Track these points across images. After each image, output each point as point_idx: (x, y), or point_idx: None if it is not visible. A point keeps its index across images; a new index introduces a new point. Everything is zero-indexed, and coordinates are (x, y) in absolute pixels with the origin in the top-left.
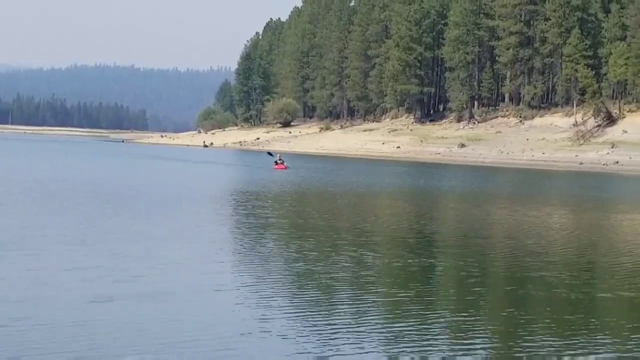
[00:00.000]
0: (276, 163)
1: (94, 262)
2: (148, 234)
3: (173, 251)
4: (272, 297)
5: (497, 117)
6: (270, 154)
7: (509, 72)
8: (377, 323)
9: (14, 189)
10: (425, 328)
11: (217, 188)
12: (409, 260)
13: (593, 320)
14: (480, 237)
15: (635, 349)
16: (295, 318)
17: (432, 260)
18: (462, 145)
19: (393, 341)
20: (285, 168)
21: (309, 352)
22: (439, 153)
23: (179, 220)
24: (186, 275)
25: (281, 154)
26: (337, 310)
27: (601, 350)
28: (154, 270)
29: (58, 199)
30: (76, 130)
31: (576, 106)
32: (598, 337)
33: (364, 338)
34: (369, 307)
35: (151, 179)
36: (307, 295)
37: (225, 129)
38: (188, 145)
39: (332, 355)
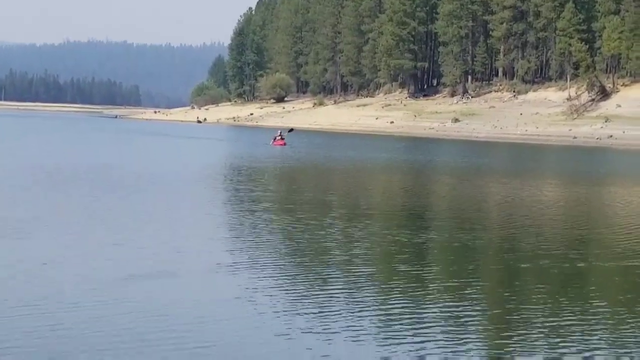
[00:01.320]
0: (274, 139)
1: (114, 242)
2: (158, 214)
3: (173, 230)
4: (266, 271)
5: (491, 91)
6: (291, 130)
7: (502, 47)
8: (370, 298)
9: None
10: (419, 305)
11: (220, 165)
12: (405, 235)
13: (588, 289)
14: (474, 211)
15: (629, 317)
16: (286, 294)
17: (427, 235)
18: (456, 120)
19: (387, 319)
20: (284, 144)
21: (299, 329)
22: (432, 128)
23: (180, 200)
24: (181, 251)
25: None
26: (329, 287)
27: (596, 319)
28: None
29: (71, 180)
30: (69, 106)
31: (570, 80)
32: (593, 305)
33: (357, 313)
34: (362, 281)
35: (152, 156)
36: (300, 274)
37: (219, 105)
38: (182, 121)
39: (324, 332)
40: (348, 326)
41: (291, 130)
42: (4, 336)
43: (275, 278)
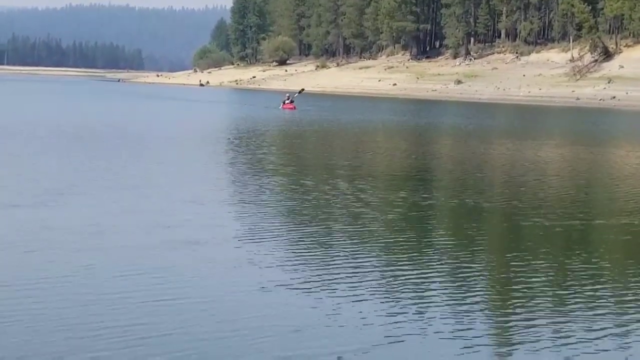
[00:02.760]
0: (284, 102)
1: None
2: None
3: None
4: (272, 237)
5: (494, 53)
6: (302, 90)
7: (505, 8)
8: (374, 265)
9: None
10: (422, 272)
11: (233, 129)
12: (408, 198)
13: (590, 247)
14: (478, 172)
15: (631, 273)
16: (290, 262)
17: (434, 197)
18: (459, 82)
19: (390, 286)
20: (294, 108)
21: (303, 298)
22: (435, 90)
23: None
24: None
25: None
26: (333, 255)
27: (599, 276)
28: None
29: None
30: (72, 71)
31: (572, 41)
32: (598, 264)
33: (361, 280)
34: (365, 246)
35: (160, 119)
36: (305, 239)
37: (222, 68)
38: (184, 84)
39: (328, 297)
40: (352, 292)
41: (302, 90)
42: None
43: (285, 242)
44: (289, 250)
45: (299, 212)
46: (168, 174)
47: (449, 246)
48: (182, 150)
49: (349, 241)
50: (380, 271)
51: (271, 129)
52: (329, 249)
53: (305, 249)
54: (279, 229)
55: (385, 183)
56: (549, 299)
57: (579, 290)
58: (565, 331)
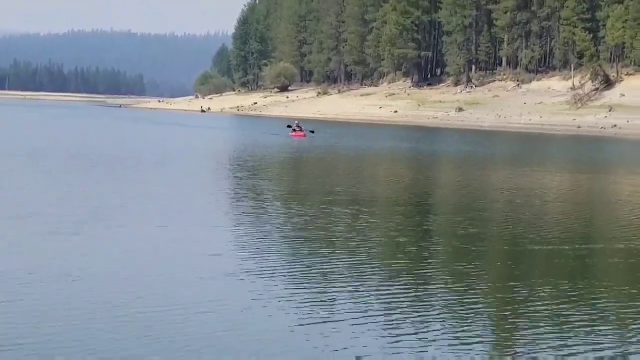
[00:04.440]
0: (293, 130)
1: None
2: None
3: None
4: (273, 263)
5: (495, 81)
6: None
7: (506, 36)
8: (375, 295)
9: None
10: (423, 300)
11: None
12: (411, 224)
13: (593, 274)
14: (482, 199)
15: (635, 298)
16: (293, 285)
17: (437, 224)
18: (460, 110)
19: (392, 310)
20: (304, 136)
21: (307, 320)
22: (436, 117)
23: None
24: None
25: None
26: (334, 281)
27: (601, 301)
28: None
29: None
30: (74, 96)
31: (574, 70)
32: (600, 290)
33: (363, 308)
34: (367, 275)
35: (164, 145)
36: (307, 264)
37: (223, 94)
38: (186, 110)
39: (328, 321)
40: (353, 315)
41: (312, 132)
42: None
43: (289, 264)
44: (291, 279)
45: (305, 238)
46: (189, 202)
47: (450, 273)
48: (203, 178)
49: (351, 269)
50: (380, 300)
51: (284, 156)
52: (331, 276)
53: (307, 277)
54: (283, 255)
55: (389, 210)
56: (551, 324)
57: (582, 315)
58: (569, 356)
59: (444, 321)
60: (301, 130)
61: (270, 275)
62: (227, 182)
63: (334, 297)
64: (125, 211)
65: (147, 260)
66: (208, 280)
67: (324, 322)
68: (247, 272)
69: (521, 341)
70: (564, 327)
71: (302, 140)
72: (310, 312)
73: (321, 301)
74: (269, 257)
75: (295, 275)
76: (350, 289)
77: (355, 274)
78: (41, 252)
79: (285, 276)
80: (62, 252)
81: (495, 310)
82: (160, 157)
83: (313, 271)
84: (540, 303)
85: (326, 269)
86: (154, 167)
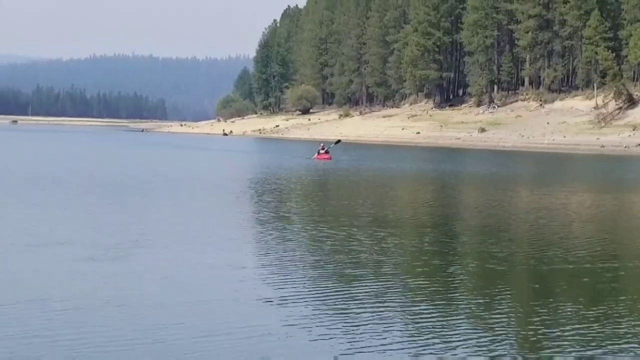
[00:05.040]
0: (318, 152)
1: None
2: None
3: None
4: (296, 284)
5: (517, 101)
6: (338, 141)
7: (528, 56)
8: (398, 314)
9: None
10: (447, 321)
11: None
12: (438, 245)
13: (619, 296)
14: (505, 220)
15: None
16: (316, 304)
17: (462, 244)
18: (482, 130)
19: (417, 331)
20: (329, 158)
21: (330, 340)
22: (459, 138)
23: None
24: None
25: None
26: (358, 300)
27: (626, 319)
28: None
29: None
30: (96, 121)
31: (597, 89)
32: (623, 304)
33: (386, 321)
34: (391, 292)
35: (191, 169)
36: (329, 283)
37: (245, 117)
38: (208, 133)
39: (353, 341)
40: (376, 334)
41: (338, 141)
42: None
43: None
44: (322, 302)
45: (334, 261)
46: (220, 226)
47: (476, 293)
48: (231, 202)
49: (378, 292)
50: (404, 319)
51: (310, 178)
52: (354, 298)
53: (330, 298)
54: (313, 278)
55: (414, 231)
56: (577, 343)
57: (608, 334)
58: None
59: (469, 341)
60: (326, 153)
61: (306, 299)
62: (255, 205)
63: (360, 319)
64: (160, 236)
65: (181, 285)
66: (241, 305)
67: (350, 343)
68: (279, 296)
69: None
70: (590, 346)
71: (327, 163)
72: (338, 335)
73: (347, 323)
74: (301, 281)
75: (325, 298)
76: (376, 311)
77: (381, 297)
78: (81, 279)
79: (316, 300)
80: (102, 278)
81: (520, 329)
82: (189, 181)
83: (342, 294)
84: (565, 322)
85: (353, 291)
86: (184, 191)
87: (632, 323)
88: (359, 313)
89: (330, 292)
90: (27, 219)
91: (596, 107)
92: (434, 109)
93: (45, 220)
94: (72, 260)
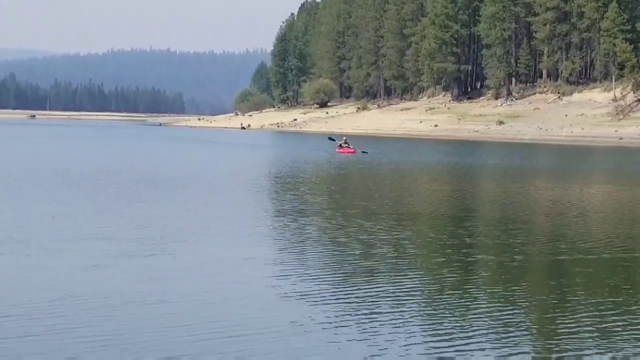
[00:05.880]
0: (340, 146)
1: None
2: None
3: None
4: (315, 278)
5: (535, 93)
6: (331, 139)
7: (546, 48)
8: (415, 307)
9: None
10: (465, 314)
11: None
12: (457, 238)
13: (635, 281)
14: (527, 212)
15: None
16: (334, 300)
17: (477, 239)
18: (500, 123)
19: (435, 324)
20: (354, 152)
21: (347, 337)
22: (477, 131)
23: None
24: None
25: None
26: (376, 295)
27: None
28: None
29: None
30: (114, 115)
31: (615, 81)
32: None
33: (406, 315)
34: (407, 287)
35: (214, 164)
36: (348, 279)
37: (262, 111)
38: (226, 127)
39: (369, 339)
40: (395, 330)
41: (331, 138)
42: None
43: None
44: (330, 290)
45: (357, 255)
46: (246, 221)
47: (495, 288)
48: (257, 197)
49: (392, 283)
50: (425, 313)
51: (333, 172)
52: (372, 292)
53: (348, 293)
54: (333, 272)
55: (435, 223)
56: (595, 334)
57: (625, 325)
58: None
59: (489, 335)
60: (349, 146)
61: (328, 296)
62: (288, 200)
63: (379, 315)
64: (191, 232)
65: (213, 281)
66: (271, 302)
67: (371, 338)
68: (305, 293)
69: (565, 350)
70: (608, 337)
71: (349, 156)
72: (358, 331)
73: (367, 318)
74: (329, 277)
75: (354, 296)
76: (398, 305)
77: (402, 292)
78: (114, 275)
79: (342, 298)
80: (136, 275)
81: (540, 321)
82: (214, 176)
83: (365, 292)
84: (584, 314)
85: (377, 285)
86: (210, 186)
87: None
88: (382, 309)
89: (362, 289)
90: (57, 214)
91: (614, 99)
92: (451, 101)
93: (76, 216)
94: (105, 256)
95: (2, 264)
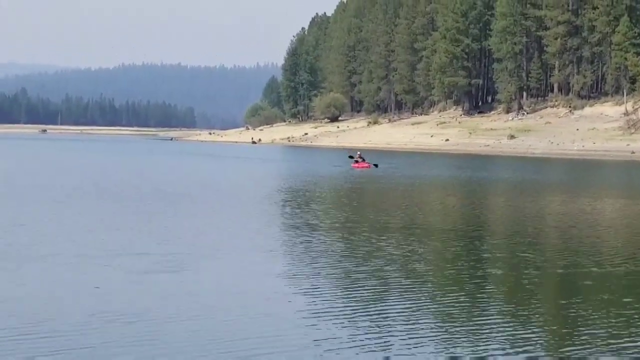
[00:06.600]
0: (355, 161)
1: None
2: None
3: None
4: (330, 289)
5: (547, 107)
6: (351, 157)
7: (557, 62)
8: (429, 320)
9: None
10: (481, 335)
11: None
12: (471, 251)
13: None
14: (536, 227)
15: None
16: (348, 311)
17: (490, 253)
18: (512, 137)
19: (450, 336)
20: (369, 167)
21: (362, 346)
22: (488, 145)
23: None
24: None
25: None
26: (390, 306)
27: None
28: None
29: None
30: (125, 130)
31: (626, 95)
32: None
33: (421, 338)
34: (421, 301)
35: (229, 179)
36: (362, 291)
37: (273, 125)
38: (236, 142)
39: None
40: (411, 346)
41: (376, 165)
42: None
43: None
44: (342, 305)
45: (375, 270)
46: (266, 237)
47: (506, 302)
48: (276, 212)
49: (406, 297)
50: (436, 323)
51: (349, 186)
52: (385, 305)
53: (361, 305)
54: (339, 280)
55: (449, 237)
56: (612, 348)
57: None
58: None
59: (504, 348)
60: (364, 161)
61: (344, 310)
62: (306, 214)
63: (393, 330)
64: (212, 247)
65: (238, 297)
66: (296, 318)
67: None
68: (324, 311)
69: None
70: (624, 350)
71: (364, 171)
72: (377, 347)
73: (381, 335)
74: (347, 294)
75: (365, 312)
76: (412, 320)
77: (417, 307)
78: (141, 291)
79: (357, 312)
80: (160, 290)
81: (553, 334)
82: (234, 191)
83: (383, 307)
84: (598, 327)
85: (393, 302)
86: (229, 201)
87: None
88: (398, 327)
89: (380, 304)
90: (81, 229)
91: (626, 113)
92: (462, 116)
93: (98, 231)
94: (130, 272)
95: (33, 279)
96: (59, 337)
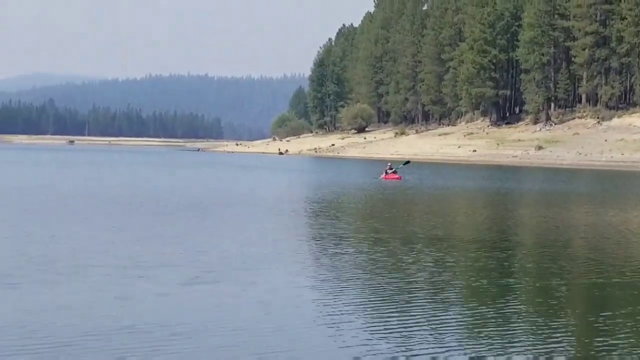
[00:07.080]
0: (386, 173)
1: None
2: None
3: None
4: (349, 297)
5: (574, 118)
6: (407, 162)
7: (585, 73)
8: (458, 326)
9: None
10: (507, 342)
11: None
12: (500, 262)
13: None
14: (563, 237)
15: None
16: (370, 319)
17: (518, 263)
18: (539, 148)
19: (475, 346)
20: (399, 178)
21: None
22: (515, 156)
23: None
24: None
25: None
26: (418, 316)
27: None
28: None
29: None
30: (153, 140)
31: None
32: None
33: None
34: (446, 312)
35: (262, 190)
36: (390, 302)
37: (300, 136)
38: (264, 152)
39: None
40: (436, 350)
41: (407, 162)
42: None
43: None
44: (369, 316)
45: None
46: (297, 248)
47: (534, 310)
48: (312, 221)
49: (434, 306)
50: (463, 333)
51: (380, 196)
52: (412, 316)
53: (385, 316)
54: (362, 290)
55: (478, 248)
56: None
57: None
58: None
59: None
60: (394, 173)
61: (381, 327)
62: (339, 225)
63: (422, 342)
64: (251, 259)
65: (270, 310)
66: (317, 333)
67: None
68: (355, 323)
69: None
70: None
71: (394, 182)
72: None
73: (408, 347)
74: (377, 306)
75: (395, 324)
76: (436, 330)
77: (440, 316)
78: (173, 303)
79: (387, 327)
80: (192, 304)
81: (580, 348)
82: (268, 202)
83: (410, 319)
84: (624, 338)
85: (419, 314)
86: (263, 211)
87: None
88: (424, 331)
89: (407, 315)
90: (113, 241)
91: None
92: (490, 126)
93: (131, 242)
94: (163, 284)
95: (65, 292)
96: (93, 348)
